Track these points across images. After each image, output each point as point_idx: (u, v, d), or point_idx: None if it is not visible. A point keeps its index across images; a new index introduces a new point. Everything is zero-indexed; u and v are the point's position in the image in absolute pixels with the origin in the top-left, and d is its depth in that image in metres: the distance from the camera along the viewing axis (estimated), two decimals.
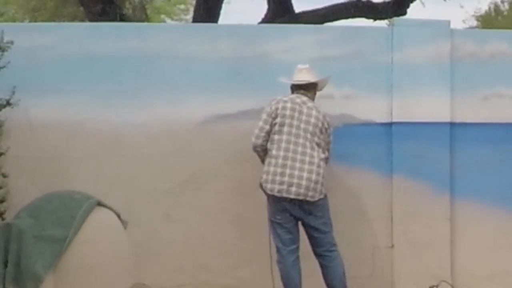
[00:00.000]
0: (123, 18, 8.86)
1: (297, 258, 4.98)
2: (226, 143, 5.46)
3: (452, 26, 5.73)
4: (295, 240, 4.99)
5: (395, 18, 6.23)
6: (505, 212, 5.64)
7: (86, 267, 4.56)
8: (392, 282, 5.56)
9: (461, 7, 15.67)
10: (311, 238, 5.02)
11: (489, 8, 18.86)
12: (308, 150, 4.95)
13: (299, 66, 5.20)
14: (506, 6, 18.60)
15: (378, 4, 9.67)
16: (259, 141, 5.02)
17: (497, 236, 5.65)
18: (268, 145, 5.00)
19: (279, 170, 4.90)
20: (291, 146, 4.94)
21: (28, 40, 5.32)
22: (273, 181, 4.91)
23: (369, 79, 5.60)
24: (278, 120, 4.99)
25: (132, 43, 5.46)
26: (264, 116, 5.03)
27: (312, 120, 5.01)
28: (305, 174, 4.88)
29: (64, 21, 10.56)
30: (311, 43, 5.59)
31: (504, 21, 17.41)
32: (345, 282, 5.01)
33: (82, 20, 10.13)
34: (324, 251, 5.01)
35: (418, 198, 5.56)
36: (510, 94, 5.70)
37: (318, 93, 5.25)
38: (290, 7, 9.59)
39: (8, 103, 5.05)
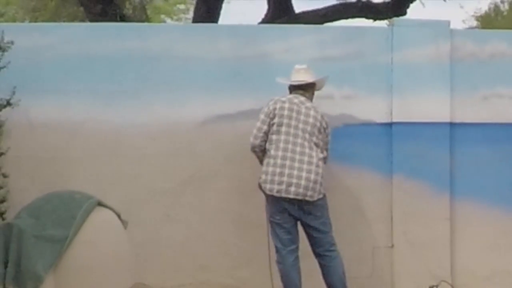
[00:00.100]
0: (123, 18, 8.84)
1: (297, 258, 4.98)
2: (226, 143, 5.46)
3: (452, 26, 5.74)
4: (295, 240, 4.99)
5: (395, 18, 6.22)
6: (505, 212, 5.65)
7: (86, 267, 4.56)
8: (392, 282, 5.57)
9: (461, 7, 15.67)
10: (310, 238, 5.02)
11: (489, 8, 18.86)
12: (307, 150, 4.95)
13: (297, 66, 5.20)
14: (506, 6, 18.59)
15: (378, 4, 9.66)
16: (257, 142, 5.02)
17: (497, 236, 5.65)
18: (267, 145, 5.00)
19: (278, 170, 4.90)
20: (290, 146, 4.94)
21: (28, 40, 5.32)
22: (272, 181, 4.91)
23: (369, 79, 5.60)
24: (276, 120, 4.99)
25: (132, 43, 5.46)
26: (262, 116, 5.03)
27: (310, 120, 5.01)
28: (304, 174, 4.88)
29: (64, 21, 10.52)
30: (311, 43, 5.59)
31: (504, 21, 17.38)
32: (345, 282, 5.01)
33: (82, 20, 10.11)
34: (323, 251, 5.01)
35: (418, 198, 5.56)
36: (509, 94, 5.70)
37: (318, 93, 5.25)
38: (290, 7, 9.59)
39: (8, 103, 5.06)
